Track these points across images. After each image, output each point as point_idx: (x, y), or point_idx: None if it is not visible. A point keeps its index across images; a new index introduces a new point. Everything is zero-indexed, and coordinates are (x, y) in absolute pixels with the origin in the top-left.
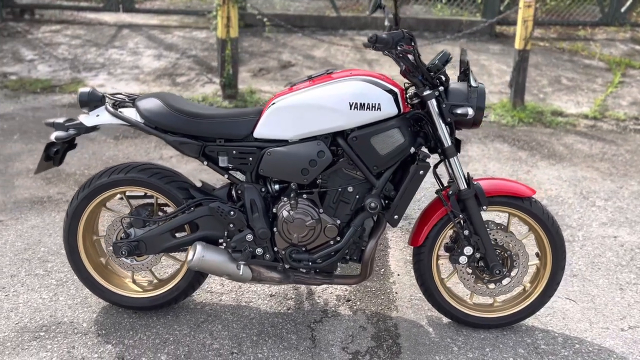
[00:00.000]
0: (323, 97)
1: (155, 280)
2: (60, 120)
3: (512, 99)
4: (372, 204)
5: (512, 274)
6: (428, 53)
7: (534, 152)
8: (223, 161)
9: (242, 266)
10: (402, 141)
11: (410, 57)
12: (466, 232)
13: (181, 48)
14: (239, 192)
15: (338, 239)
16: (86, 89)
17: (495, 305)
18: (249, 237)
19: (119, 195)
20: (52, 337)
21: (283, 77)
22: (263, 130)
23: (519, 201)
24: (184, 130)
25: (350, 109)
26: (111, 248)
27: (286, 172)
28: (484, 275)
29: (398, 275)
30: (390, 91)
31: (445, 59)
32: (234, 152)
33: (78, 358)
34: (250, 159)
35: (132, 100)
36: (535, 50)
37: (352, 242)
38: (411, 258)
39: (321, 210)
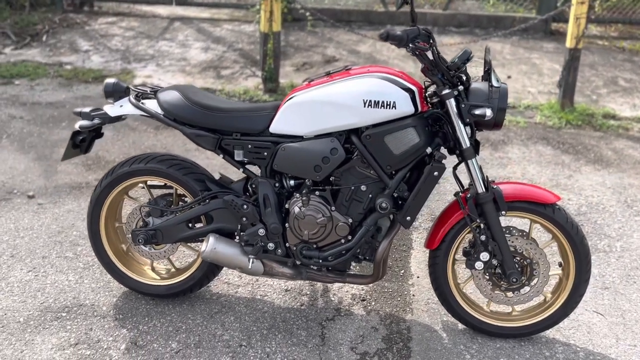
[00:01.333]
0: (338, 94)
1: (173, 269)
2: (87, 109)
3: (560, 100)
4: (383, 204)
5: (532, 283)
6: (477, 50)
7: (579, 156)
8: (239, 155)
9: (253, 260)
10: (417, 141)
11: (429, 54)
12: (483, 238)
13: (228, 41)
14: (254, 186)
15: (349, 237)
16: (111, 80)
17: (513, 315)
18: (261, 231)
19: (141, 185)
20: (72, 318)
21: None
22: (279, 125)
23: (541, 207)
24: (201, 123)
25: (365, 106)
26: (130, 235)
27: (299, 168)
28: (502, 282)
29: (418, 277)
30: (408, 89)
31: (466, 58)
32: (250, 146)
33: (94, 340)
34: (265, 153)
35: (154, 92)
36: (592, 49)
37: (364, 242)
38: None
39: (333, 208)
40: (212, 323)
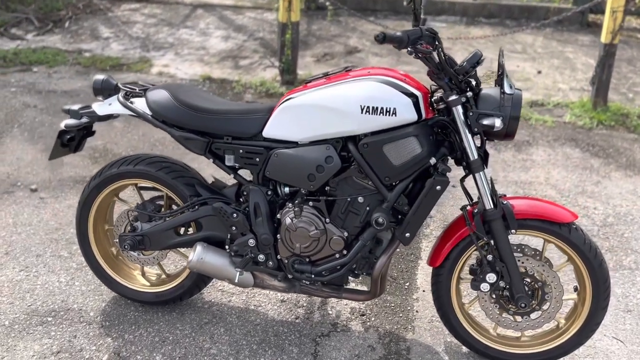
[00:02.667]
0: (334, 98)
1: (164, 276)
2: (75, 107)
3: (592, 98)
4: (380, 219)
5: (544, 307)
6: (507, 43)
7: (609, 160)
8: (229, 160)
9: (240, 272)
10: (420, 151)
11: (435, 57)
12: (490, 258)
13: (250, 30)
14: (245, 193)
15: (345, 252)
16: (100, 77)
17: (522, 340)
18: (252, 242)
19: (132, 187)
20: (58, 323)
21: (347, 63)
22: (272, 129)
23: (556, 227)
24: (190, 125)
25: (362, 112)
26: (117, 240)
27: (292, 177)
28: (510, 306)
29: (424, 291)
30: (410, 94)
31: (475, 61)
32: (241, 150)
33: (77, 348)
34: (257, 159)
35: (144, 91)
36: (630, 43)
37: (360, 257)
38: None
39: (328, 220)
40: (201, 334)
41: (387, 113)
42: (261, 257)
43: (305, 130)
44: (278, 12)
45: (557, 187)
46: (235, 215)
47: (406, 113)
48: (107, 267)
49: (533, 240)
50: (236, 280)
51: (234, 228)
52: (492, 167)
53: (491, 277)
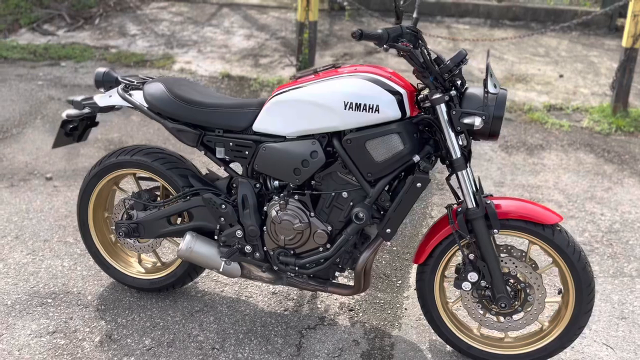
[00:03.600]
0: (319, 94)
1: (159, 263)
2: (79, 98)
3: (612, 104)
4: (360, 214)
5: (527, 309)
6: (530, 46)
7: (624, 167)
8: (220, 152)
9: (226, 262)
10: (402, 148)
11: (419, 56)
12: (471, 257)
13: (272, 29)
14: (234, 185)
15: (328, 246)
16: (102, 70)
17: (505, 341)
18: (239, 233)
19: (131, 177)
20: (56, 305)
21: (367, 62)
22: (262, 123)
23: (539, 228)
24: (183, 118)
25: (345, 108)
26: (113, 227)
27: (278, 170)
28: (492, 306)
29: (415, 290)
30: (395, 92)
31: (460, 60)
32: (231, 143)
33: (71, 329)
34: (247, 152)
35: (142, 84)
36: None
37: (344, 251)
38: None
39: (312, 214)
40: (191, 322)
41: (370, 109)
42: (248, 248)
43: (292, 125)
44: (297, 12)
45: (565, 192)
46: (223, 206)
47: (389, 110)
48: (105, 253)
49: (521, 241)
50: (221, 270)
51: (222, 219)
52: (500, 170)
53: (473, 276)
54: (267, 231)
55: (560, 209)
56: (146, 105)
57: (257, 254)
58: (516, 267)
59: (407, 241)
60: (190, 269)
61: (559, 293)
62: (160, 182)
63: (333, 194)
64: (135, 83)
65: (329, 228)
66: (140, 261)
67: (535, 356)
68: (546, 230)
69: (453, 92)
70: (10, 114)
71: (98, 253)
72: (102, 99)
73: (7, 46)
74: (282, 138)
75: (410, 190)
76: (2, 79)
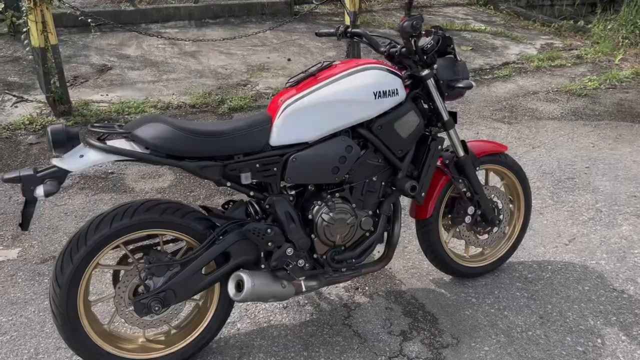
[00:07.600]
0: (347, 91)
1: (174, 331)
2: (28, 172)
3: None
4: (412, 186)
5: (501, 218)
6: (247, 39)
7: None
8: (246, 178)
9: (283, 284)
10: (419, 121)
11: (413, 43)
12: (469, 194)
13: None
14: (268, 206)
15: (372, 229)
16: (58, 126)
17: (485, 253)
18: (289, 250)
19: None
20: None
21: (107, 82)
22: (281, 136)
23: (500, 157)
24: (202, 153)
25: (375, 98)
26: (130, 308)
27: (316, 175)
28: (479, 228)
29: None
30: (399, 75)
31: (438, 39)
32: (257, 165)
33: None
34: (275, 169)
35: (125, 131)
36: None
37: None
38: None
39: (354, 205)
40: None
41: (393, 94)
42: (300, 262)
43: (318, 128)
44: (30, 37)
45: None
46: (269, 230)
47: (402, 92)
48: (111, 348)
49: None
50: (283, 291)
51: (270, 244)
52: None
53: (471, 210)
54: (318, 237)
55: None
56: (147, 150)
57: (307, 265)
58: (489, 192)
59: None
60: (224, 313)
61: (510, 202)
62: (172, 234)
63: (366, 180)
64: (120, 131)
65: (370, 212)
66: (146, 340)
67: (508, 255)
68: (502, 157)
69: (435, 66)
70: None
71: (103, 352)
72: (72, 162)
73: None
74: (304, 144)
75: (434, 153)
76: None
